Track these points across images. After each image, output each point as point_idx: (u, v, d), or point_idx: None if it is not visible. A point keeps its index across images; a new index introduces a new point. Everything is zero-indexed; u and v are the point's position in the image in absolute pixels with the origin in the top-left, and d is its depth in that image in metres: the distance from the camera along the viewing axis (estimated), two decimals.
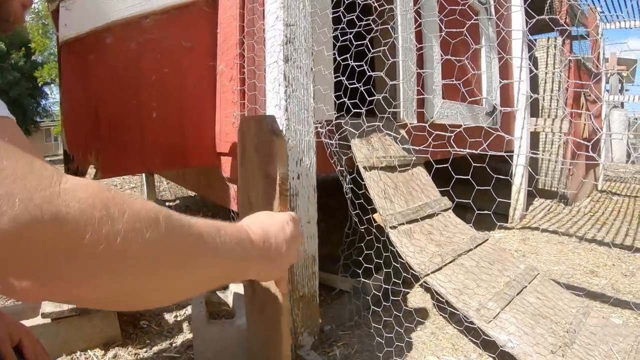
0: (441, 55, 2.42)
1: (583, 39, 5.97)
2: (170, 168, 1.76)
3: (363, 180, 1.78)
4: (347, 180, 1.72)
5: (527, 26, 3.41)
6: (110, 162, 1.68)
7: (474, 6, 2.90)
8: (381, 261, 1.67)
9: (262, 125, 0.98)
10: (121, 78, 1.70)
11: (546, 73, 4.59)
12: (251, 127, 1.01)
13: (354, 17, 1.58)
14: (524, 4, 3.29)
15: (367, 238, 1.68)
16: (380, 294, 1.94)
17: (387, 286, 1.91)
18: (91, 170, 1.72)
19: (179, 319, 1.98)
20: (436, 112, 2.41)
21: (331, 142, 1.73)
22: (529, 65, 3.74)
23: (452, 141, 1.51)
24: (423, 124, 2.26)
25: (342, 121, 1.83)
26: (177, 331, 1.88)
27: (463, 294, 1.60)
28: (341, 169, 1.73)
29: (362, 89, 1.56)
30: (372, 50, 1.69)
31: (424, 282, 1.67)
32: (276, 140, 0.95)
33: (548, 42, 4.60)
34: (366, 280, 1.82)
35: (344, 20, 1.61)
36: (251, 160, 1.04)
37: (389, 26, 1.98)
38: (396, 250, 1.68)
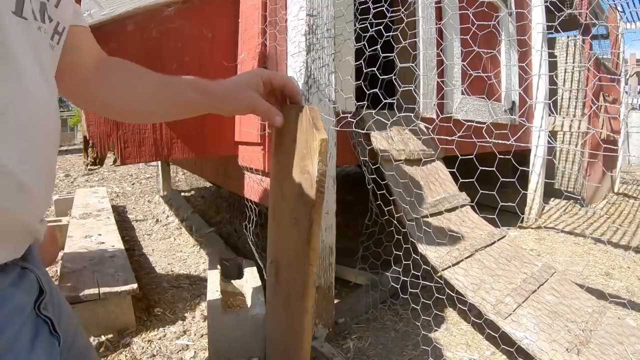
0: (461, 50, 2.40)
1: (603, 38, 5.89)
2: (189, 157, 1.77)
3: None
4: (369, 170, 1.72)
5: (547, 23, 3.37)
6: (129, 150, 1.69)
7: (494, 3, 2.86)
8: (400, 253, 1.66)
9: (303, 116, 0.95)
10: (142, 66, 1.70)
11: (565, 72, 4.53)
12: (292, 116, 0.98)
13: (378, 8, 1.57)
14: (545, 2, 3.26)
15: (387, 230, 1.67)
16: (396, 287, 1.93)
17: (403, 279, 1.90)
18: (110, 157, 1.73)
19: (192, 307, 2.00)
20: (455, 108, 2.39)
21: (353, 133, 1.72)
22: (547, 63, 3.69)
23: (470, 137, 1.50)
24: (442, 119, 2.25)
25: (363, 112, 1.82)
26: (190, 319, 1.89)
27: (480, 289, 1.59)
28: (364, 158, 1.72)
29: (381, 79, 1.55)
30: (396, 41, 1.68)
31: (441, 276, 1.66)
32: (318, 134, 0.91)
33: (568, 40, 4.53)
34: (384, 272, 1.81)
35: (370, 11, 1.60)
36: (288, 151, 1.02)
37: (404, 24, 1.97)
38: (413, 243, 1.68)
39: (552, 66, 4.44)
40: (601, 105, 4.63)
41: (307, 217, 0.95)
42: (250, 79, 0.88)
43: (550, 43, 4.48)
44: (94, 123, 1.65)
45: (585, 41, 4.42)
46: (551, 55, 4.32)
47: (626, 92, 6.68)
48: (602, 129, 4.67)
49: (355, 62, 1.63)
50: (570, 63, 4.47)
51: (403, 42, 1.75)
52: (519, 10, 3.09)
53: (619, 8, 5.62)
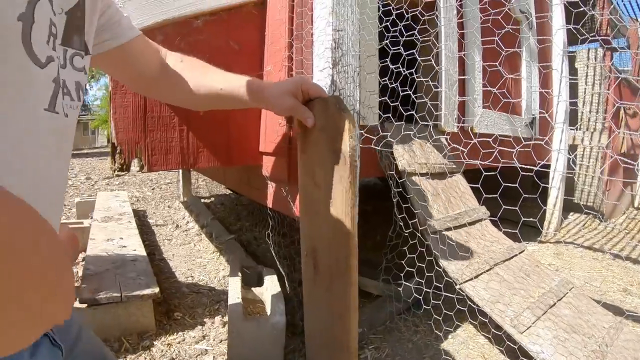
0: (483, 66, 2.41)
1: (624, 50, 5.84)
2: (214, 165, 1.81)
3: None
4: (395, 184, 1.74)
5: (567, 37, 3.36)
6: (156, 157, 1.73)
7: (515, 17, 2.87)
8: (423, 265, 1.68)
9: (329, 104, 1.07)
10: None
11: (586, 85, 4.50)
12: (316, 109, 1.10)
13: (400, 27, 1.59)
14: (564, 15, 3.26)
15: (411, 242, 1.69)
16: (414, 300, 1.94)
17: (422, 291, 1.91)
18: (136, 164, 1.78)
19: (212, 313, 2.03)
20: (476, 121, 2.40)
21: (378, 145, 1.74)
22: (569, 77, 3.67)
23: (491, 151, 1.51)
24: (463, 133, 2.26)
25: (386, 126, 1.85)
26: (210, 324, 1.92)
27: (498, 303, 1.60)
28: (390, 172, 1.75)
29: (404, 94, 1.58)
30: (418, 59, 1.71)
31: (460, 289, 1.67)
32: (345, 115, 1.05)
33: (588, 53, 4.50)
34: (405, 283, 1.82)
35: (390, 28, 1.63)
36: (316, 141, 1.13)
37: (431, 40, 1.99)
38: (434, 256, 1.69)
39: (574, 77, 4.42)
40: (621, 119, 4.58)
41: (345, 189, 1.04)
42: (293, 89, 1.10)
43: (571, 56, 4.45)
44: (123, 130, 1.70)
45: (606, 53, 4.39)
46: (572, 67, 4.30)
47: None
48: (622, 141, 4.62)
49: (380, 77, 1.66)
50: (591, 76, 4.44)
51: (425, 61, 1.78)
52: (539, 20, 3.09)
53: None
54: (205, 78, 1.12)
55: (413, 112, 1.73)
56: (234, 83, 1.13)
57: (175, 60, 1.10)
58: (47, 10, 0.56)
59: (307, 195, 1.23)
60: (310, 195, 1.20)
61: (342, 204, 1.07)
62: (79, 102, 0.69)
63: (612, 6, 4.79)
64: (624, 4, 5.73)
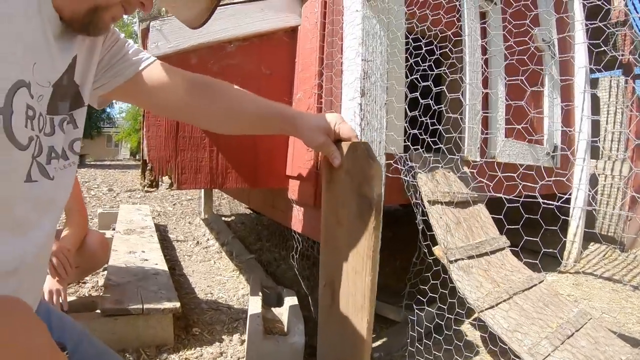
0: (506, 99, 2.44)
1: None
2: (242, 186, 1.86)
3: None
4: (420, 212, 1.77)
5: (590, 64, 3.37)
6: (185, 176, 1.78)
7: (538, 46, 2.90)
8: (446, 292, 1.69)
9: (358, 150, 1.11)
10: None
11: (608, 113, 4.48)
12: (345, 151, 1.13)
13: (425, 58, 1.64)
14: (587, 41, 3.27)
15: (434, 269, 1.71)
16: (436, 325, 1.94)
17: (440, 319, 1.92)
18: (166, 181, 1.83)
19: (230, 330, 2.04)
20: (498, 151, 2.42)
21: (404, 174, 1.78)
22: (590, 111, 3.67)
23: (513, 180, 1.53)
24: (485, 162, 2.28)
25: (413, 155, 1.89)
26: (228, 342, 1.94)
27: (517, 332, 1.60)
28: (416, 201, 1.78)
29: (437, 126, 1.61)
30: (444, 89, 1.74)
31: (479, 317, 1.67)
32: (374, 163, 1.09)
33: (611, 80, 4.50)
34: (427, 309, 1.83)
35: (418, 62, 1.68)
36: (342, 182, 1.16)
37: (457, 76, 2.03)
38: (454, 284, 1.70)
39: (595, 107, 4.40)
40: None
41: (368, 233, 1.08)
42: (327, 127, 1.14)
43: (593, 83, 4.44)
44: (155, 148, 1.76)
45: (628, 81, 4.37)
46: (594, 96, 4.29)
47: None
48: None
49: (409, 109, 1.70)
50: (613, 103, 4.42)
51: (451, 94, 1.81)
52: (562, 56, 3.11)
53: None
54: (237, 104, 1.13)
55: (437, 142, 1.76)
56: (267, 110, 1.14)
57: (205, 85, 1.11)
58: (24, 97, 0.63)
59: (328, 230, 1.27)
60: (332, 230, 1.23)
61: (365, 246, 1.11)
62: (74, 156, 0.81)
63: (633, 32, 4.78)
64: None
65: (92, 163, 19.41)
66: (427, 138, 1.71)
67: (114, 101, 1.14)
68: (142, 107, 1.36)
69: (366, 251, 1.11)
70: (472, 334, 2.10)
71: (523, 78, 1.64)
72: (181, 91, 1.06)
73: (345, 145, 1.15)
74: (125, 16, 0.81)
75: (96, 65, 0.87)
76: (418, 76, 1.67)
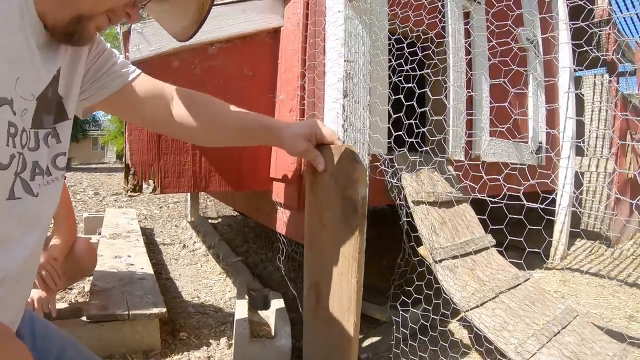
0: (490, 100, 2.45)
1: (630, 75, 5.87)
2: (225, 190, 1.84)
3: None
4: (405, 213, 1.77)
5: (574, 63, 3.40)
6: (168, 180, 1.77)
7: (522, 46, 2.92)
8: (431, 292, 1.69)
9: (342, 153, 1.11)
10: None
11: (592, 111, 4.52)
12: (328, 155, 1.14)
13: (406, 59, 1.64)
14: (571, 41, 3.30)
15: (419, 270, 1.71)
16: (421, 326, 1.95)
17: (425, 320, 1.92)
18: (149, 185, 1.81)
19: (217, 334, 2.03)
20: (483, 150, 2.43)
21: (387, 175, 1.78)
22: (575, 110, 3.70)
23: (498, 179, 1.53)
24: (470, 161, 2.28)
25: (397, 155, 1.89)
26: (215, 346, 1.92)
27: (503, 331, 1.61)
28: (400, 202, 1.78)
29: (420, 128, 1.61)
30: (427, 91, 1.74)
31: (465, 317, 1.68)
32: (358, 166, 1.09)
33: (595, 79, 4.54)
34: (413, 310, 1.83)
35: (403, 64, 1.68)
36: (326, 185, 1.17)
37: (440, 77, 2.04)
38: (440, 284, 1.70)
39: (579, 105, 4.44)
40: (628, 144, 4.59)
41: (353, 235, 1.08)
42: (307, 133, 1.14)
43: (577, 81, 4.49)
44: (137, 152, 1.74)
45: (612, 79, 4.42)
46: (578, 94, 4.33)
47: None
48: (629, 168, 4.62)
49: (394, 111, 1.70)
50: (597, 102, 4.47)
51: (434, 95, 1.82)
52: (546, 57, 3.14)
53: None
54: (221, 117, 1.14)
55: (421, 142, 1.77)
56: (250, 122, 1.16)
57: (187, 99, 1.11)
58: (5, 115, 0.63)
59: (312, 232, 1.27)
60: (317, 232, 1.24)
61: (350, 249, 1.11)
62: (58, 171, 0.80)
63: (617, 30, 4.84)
64: (630, 30, 5.79)
65: (78, 167, 19.21)
66: (408, 139, 1.71)
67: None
68: (127, 120, 1.35)
69: (352, 253, 1.11)
70: (460, 333, 2.11)
71: (506, 80, 1.64)
72: (166, 104, 1.07)
73: (328, 149, 1.16)
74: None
75: (81, 76, 0.86)
76: (401, 77, 1.68)
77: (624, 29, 6.01)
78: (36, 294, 1.63)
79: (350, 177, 1.10)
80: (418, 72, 1.65)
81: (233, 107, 1.16)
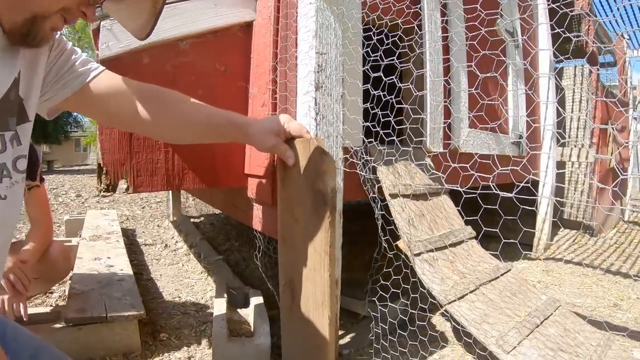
0: (468, 86, 2.44)
1: (610, 66, 5.93)
2: (200, 187, 1.81)
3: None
4: (379, 206, 1.75)
5: (554, 54, 3.41)
6: (141, 179, 1.73)
7: (501, 36, 2.91)
8: (408, 286, 1.68)
9: (310, 146, 1.11)
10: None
11: (573, 102, 4.55)
12: (298, 148, 1.14)
13: (380, 50, 1.62)
14: (551, 32, 3.31)
15: (396, 264, 1.69)
16: (400, 321, 1.93)
17: (407, 313, 1.91)
18: (122, 185, 1.78)
19: (198, 334, 2.00)
20: (462, 141, 2.42)
21: (361, 168, 1.76)
22: (556, 99, 3.72)
23: (478, 170, 1.52)
24: (449, 153, 2.27)
25: (370, 148, 1.87)
26: (196, 346, 1.90)
27: (484, 324, 1.60)
28: (373, 195, 1.76)
29: (391, 118, 1.59)
30: (401, 82, 1.73)
31: (445, 311, 1.67)
32: (326, 158, 1.09)
33: (575, 70, 4.57)
34: (392, 305, 1.82)
35: (378, 52, 1.65)
36: (296, 179, 1.16)
37: (410, 64, 2.02)
38: (419, 278, 1.69)
39: (560, 97, 4.47)
40: (610, 134, 4.64)
41: (324, 228, 1.07)
42: (276, 128, 1.13)
43: (558, 73, 4.51)
44: (109, 152, 1.70)
45: (593, 69, 4.45)
46: (558, 85, 4.35)
47: (635, 118, 6.69)
48: (611, 157, 4.66)
49: (364, 101, 1.68)
50: (578, 92, 4.50)
51: (409, 84, 1.80)
52: (525, 39, 3.14)
53: (625, 35, 5.67)
54: (188, 114, 1.12)
55: (398, 134, 1.75)
56: (218, 119, 1.14)
57: (153, 95, 1.10)
58: None
59: (285, 228, 1.26)
60: (289, 228, 1.23)
61: (322, 242, 1.10)
62: (18, 174, 0.79)
63: (597, 23, 4.88)
64: (610, 21, 5.84)
65: (60, 169, 18.94)
66: (384, 131, 1.69)
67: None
68: (93, 119, 1.32)
69: (323, 247, 1.10)
70: (441, 327, 2.10)
71: (483, 70, 1.63)
72: (130, 102, 1.05)
73: (297, 143, 1.15)
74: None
75: (41, 78, 0.85)
76: (376, 68, 1.65)
77: (604, 22, 6.06)
78: (6, 297, 1.59)
79: (319, 169, 1.09)
80: (396, 64, 1.62)
81: (201, 104, 1.15)
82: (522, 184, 1.47)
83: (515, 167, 1.72)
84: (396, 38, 1.69)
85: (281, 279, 1.34)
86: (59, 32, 0.82)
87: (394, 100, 1.63)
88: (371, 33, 1.64)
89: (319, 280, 1.13)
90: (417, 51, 2.11)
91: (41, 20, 0.71)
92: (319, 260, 1.12)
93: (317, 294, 1.14)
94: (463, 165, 1.77)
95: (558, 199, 3.92)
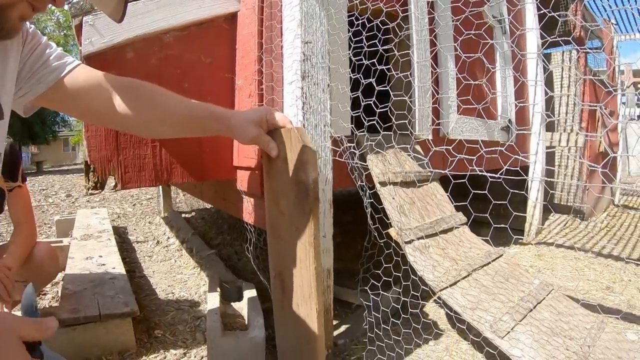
0: (456, 73, 2.43)
1: (597, 51, 5.95)
2: (189, 181, 1.80)
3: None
4: (367, 195, 1.74)
5: (541, 41, 3.42)
6: (129, 175, 1.72)
7: (488, 21, 2.91)
8: (400, 274, 1.68)
9: (291, 136, 1.08)
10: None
11: (561, 87, 4.57)
12: (280, 139, 1.11)
13: (366, 36, 1.60)
14: (539, 19, 3.31)
15: (386, 252, 1.69)
16: (393, 309, 1.94)
17: (402, 300, 1.91)
18: (110, 181, 1.76)
19: (193, 329, 2.00)
20: (451, 128, 2.42)
21: (350, 158, 1.75)
22: (544, 81, 3.73)
23: (468, 156, 1.52)
24: (438, 140, 2.27)
25: (359, 136, 1.86)
26: (191, 342, 1.90)
27: (477, 309, 1.60)
28: (362, 184, 1.75)
29: (380, 105, 1.58)
30: (389, 69, 1.71)
31: (438, 297, 1.67)
32: (306, 148, 1.06)
33: (563, 55, 4.58)
34: (384, 293, 1.82)
35: (362, 40, 1.64)
36: (279, 170, 1.14)
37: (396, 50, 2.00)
38: (411, 265, 1.69)
39: (548, 82, 4.49)
40: (598, 118, 4.66)
41: (307, 220, 1.06)
42: (257, 118, 1.10)
43: (546, 58, 4.52)
44: (95, 149, 1.68)
45: (580, 55, 4.46)
46: (546, 70, 4.37)
47: (623, 103, 6.73)
48: (600, 142, 4.69)
49: (351, 89, 1.67)
50: (566, 78, 4.51)
51: (396, 71, 1.79)
52: (512, 25, 3.13)
53: (612, 20, 5.69)
54: (167, 108, 1.09)
55: (387, 122, 1.74)
56: (197, 112, 1.11)
57: (130, 89, 1.07)
58: None
59: (272, 220, 1.26)
60: (276, 220, 1.22)
61: (306, 234, 1.09)
62: None
63: (584, 7, 4.89)
64: (597, 5, 5.85)
65: (49, 169, 18.74)
66: (372, 119, 1.68)
67: None
68: (68, 114, 1.29)
69: (308, 239, 1.09)
70: (434, 315, 2.11)
71: (472, 56, 1.62)
72: (107, 96, 1.02)
73: (279, 133, 1.13)
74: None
75: (15, 73, 0.83)
76: (363, 56, 1.64)
77: (591, 6, 6.07)
78: None
79: (301, 160, 1.07)
80: (382, 51, 1.61)
81: (181, 97, 1.12)
82: (511, 169, 1.47)
83: (505, 152, 1.71)
84: (379, 22, 1.68)
85: (271, 272, 1.34)
86: (31, 25, 0.80)
87: (382, 88, 1.62)
88: (359, 22, 1.62)
89: (305, 272, 1.12)
90: (410, 39, 2.10)
91: (7, 9, 0.68)
92: (304, 252, 1.11)
93: (304, 286, 1.14)
94: (452, 152, 1.77)
95: (549, 179, 3.94)
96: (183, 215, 4.64)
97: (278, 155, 1.12)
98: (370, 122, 1.65)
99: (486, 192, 1.37)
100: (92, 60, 1.68)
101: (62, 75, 0.94)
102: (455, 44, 1.85)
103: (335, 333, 1.89)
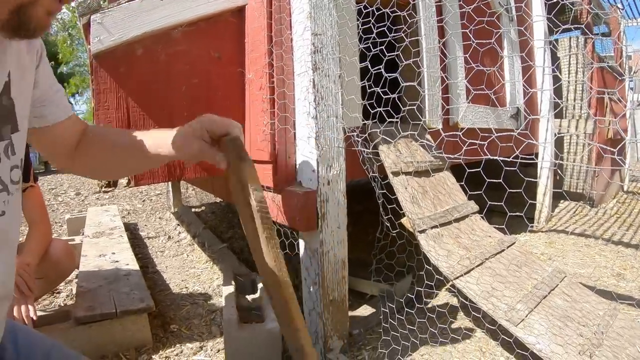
0: (464, 61, 2.42)
1: (605, 37, 5.89)
2: (201, 176, 1.80)
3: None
4: (379, 185, 1.74)
5: (547, 27, 3.39)
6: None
7: (495, 9, 2.89)
8: (413, 264, 1.69)
9: (229, 147, 0.92)
10: (152, 89, 1.75)
11: (569, 73, 4.53)
12: (223, 148, 0.93)
13: (382, 28, 1.60)
14: (546, 6, 3.28)
15: (399, 242, 1.70)
16: (407, 299, 1.94)
17: (416, 289, 1.92)
18: (122, 180, 1.77)
19: (208, 323, 2.02)
20: (461, 116, 2.42)
21: (361, 149, 1.75)
22: (552, 67, 3.70)
23: (477, 144, 1.52)
24: (448, 128, 2.26)
25: (370, 127, 1.85)
26: (207, 335, 1.91)
27: (491, 297, 1.61)
28: (374, 175, 1.75)
29: (390, 95, 1.58)
30: (400, 58, 1.71)
31: (452, 285, 1.68)
32: (241, 164, 0.90)
33: (570, 42, 4.54)
34: (396, 283, 1.83)
35: (373, 30, 1.64)
36: (234, 187, 0.97)
37: (408, 38, 2.00)
38: (425, 254, 1.69)
39: (556, 68, 4.45)
40: (606, 104, 4.62)
41: (264, 244, 0.91)
42: (197, 130, 0.92)
43: (553, 44, 4.49)
44: None
45: (588, 40, 4.42)
46: (554, 56, 4.33)
47: (631, 89, 6.66)
48: (608, 128, 4.66)
49: (361, 80, 1.66)
50: (574, 64, 4.48)
51: (406, 60, 1.78)
52: (519, 12, 3.11)
53: (619, 5, 5.63)
54: (122, 150, 1.00)
55: (398, 112, 1.74)
56: (147, 144, 0.97)
57: (94, 138, 1.01)
58: None
59: (246, 229, 1.04)
60: (250, 229, 1.00)
61: (268, 259, 0.95)
62: (13, 185, 0.73)
63: None
64: None
65: (57, 169, 18.81)
66: (381, 109, 1.68)
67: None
68: (40, 151, 1.18)
69: (270, 262, 0.95)
70: (450, 302, 2.12)
71: (480, 42, 1.61)
72: (71, 145, 0.97)
73: (224, 142, 0.94)
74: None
75: (31, 87, 0.77)
76: (371, 46, 1.64)
77: None
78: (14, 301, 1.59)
79: (241, 178, 0.91)
80: (398, 45, 1.61)
81: (135, 134, 0.99)
82: (521, 156, 1.47)
83: (515, 138, 1.71)
84: (389, 11, 1.67)
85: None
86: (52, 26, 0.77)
87: (393, 77, 1.61)
88: (369, 10, 1.62)
89: (277, 294, 0.98)
90: (418, 27, 2.10)
91: (31, 7, 0.61)
92: (271, 275, 0.96)
93: (280, 299, 0.98)
94: (463, 139, 1.76)
95: (560, 161, 3.92)
96: (193, 209, 4.66)
97: (228, 167, 0.94)
98: (382, 112, 1.65)
99: (501, 180, 1.37)
100: (102, 58, 1.69)
101: (64, 119, 0.90)
102: (467, 31, 1.84)
103: (350, 323, 1.90)
